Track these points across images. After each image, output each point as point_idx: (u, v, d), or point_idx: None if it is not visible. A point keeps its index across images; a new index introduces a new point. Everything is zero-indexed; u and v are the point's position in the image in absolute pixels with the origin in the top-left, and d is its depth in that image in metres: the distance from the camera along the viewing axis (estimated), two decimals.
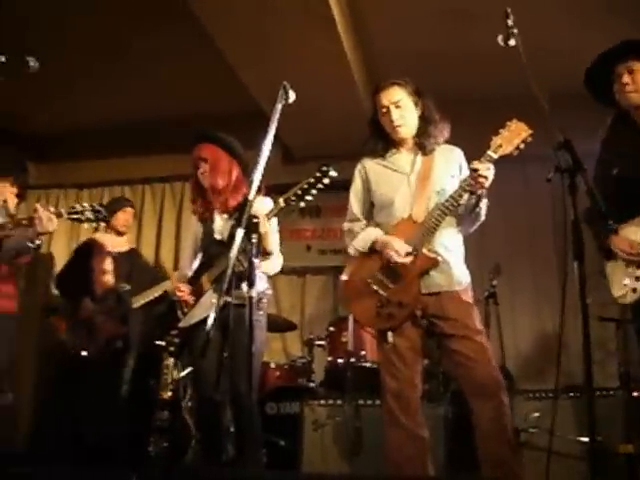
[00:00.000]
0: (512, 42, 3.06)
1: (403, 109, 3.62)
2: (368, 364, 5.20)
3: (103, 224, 6.17)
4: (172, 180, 7.53)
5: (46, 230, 3.72)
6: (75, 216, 3.78)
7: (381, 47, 5.71)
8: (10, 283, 4.90)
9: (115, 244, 6.13)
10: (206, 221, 4.16)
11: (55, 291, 6.54)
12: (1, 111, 6.37)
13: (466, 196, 3.43)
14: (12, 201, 4.82)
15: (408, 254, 3.45)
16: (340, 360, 5.30)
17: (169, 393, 5.30)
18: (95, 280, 5.90)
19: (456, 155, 3.71)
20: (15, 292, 4.92)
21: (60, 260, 7.48)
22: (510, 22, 3.07)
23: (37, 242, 3.92)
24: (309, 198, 3.34)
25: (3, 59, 2.92)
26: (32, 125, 6.99)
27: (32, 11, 5.35)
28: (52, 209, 3.70)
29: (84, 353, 5.65)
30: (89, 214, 3.78)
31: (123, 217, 6.14)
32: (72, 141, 7.58)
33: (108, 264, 5.96)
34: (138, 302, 5.71)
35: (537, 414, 4.30)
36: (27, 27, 5.49)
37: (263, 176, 3.06)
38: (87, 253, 6.04)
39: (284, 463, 4.61)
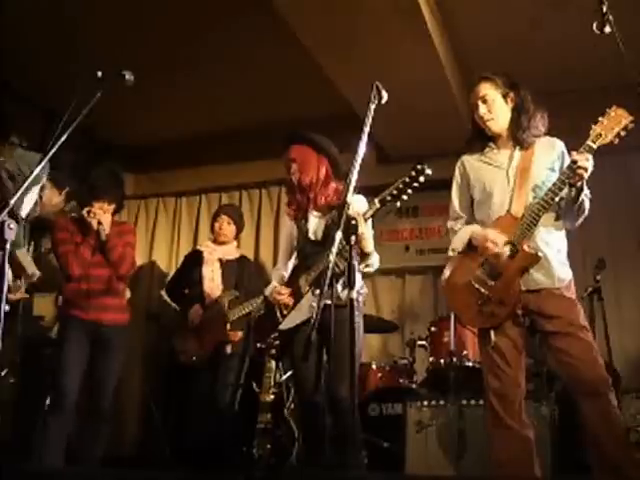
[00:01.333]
0: (607, 29, 2.98)
1: (490, 103, 3.58)
2: (470, 364, 5.13)
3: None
4: (268, 185, 7.57)
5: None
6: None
7: (472, 42, 5.61)
8: (123, 297, 5.06)
9: (224, 252, 6.22)
10: (300, 221, 4.17)
11: (166, 298, 6.71)
12: (100, 125, 6.54)
13: (566, 189, 3.34)
14: (107, 222, 4.92)
15: (507, 243, 3.39)
16: (442, 360, 5.25)
17: (272, 396, 5.36)
18: (205, 287, 6.01)
19: (557, 148, 3.60)
20: (127, 305, 5.08)
21: (160, 268, 7.68)
22: (605, 8, 2.99)
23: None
24: (405, 197, 3.30)
25: (100, 74, 2.99)
26: (129, 137, 7.15)
27: (123, 25, 5.51)
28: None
29: (194, 358, 5.77)
30: None
31: (216, 226, 6.23)
32: (169, 150, 7.73)
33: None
34: (234, 314, 5.78)
35: None
36: (118, 41, 5.64)
37: (357, 177, 3.04)
38: (196, 261, 6.17)
39: (387, 465, 4.60)
